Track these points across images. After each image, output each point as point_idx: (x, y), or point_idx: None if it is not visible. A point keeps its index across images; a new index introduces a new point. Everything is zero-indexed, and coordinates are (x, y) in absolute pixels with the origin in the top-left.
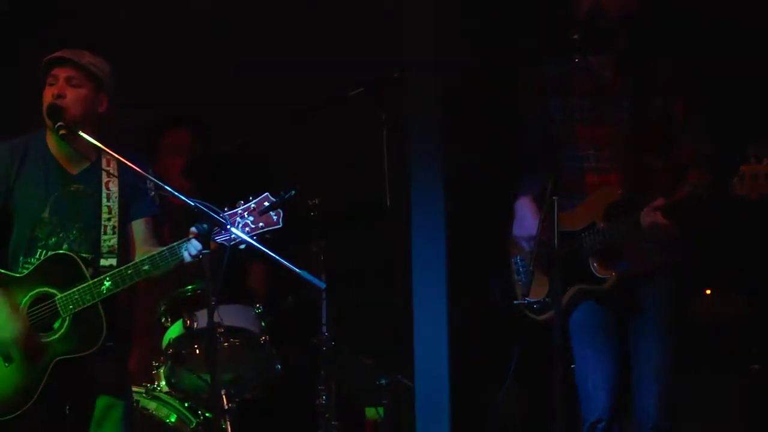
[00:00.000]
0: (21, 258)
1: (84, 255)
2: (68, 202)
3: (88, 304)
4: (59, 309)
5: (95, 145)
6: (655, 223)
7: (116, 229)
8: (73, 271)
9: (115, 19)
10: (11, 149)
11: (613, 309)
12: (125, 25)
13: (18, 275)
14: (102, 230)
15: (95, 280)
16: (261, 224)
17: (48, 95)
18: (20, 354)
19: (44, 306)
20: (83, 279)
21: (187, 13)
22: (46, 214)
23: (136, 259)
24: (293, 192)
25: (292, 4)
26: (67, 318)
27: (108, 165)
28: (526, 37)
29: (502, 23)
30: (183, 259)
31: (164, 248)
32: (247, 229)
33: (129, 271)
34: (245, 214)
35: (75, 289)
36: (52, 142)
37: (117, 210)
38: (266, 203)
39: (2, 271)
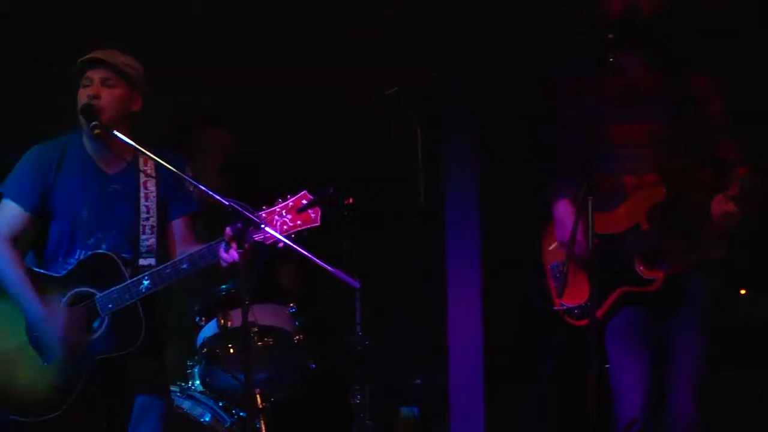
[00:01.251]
0: (60, 259)
1: (123, 255)
2: (106, 203)
3: (127, 303)
4: (98, 308)
5: (131, 145)
6: (727, 213)
7: (154, 229)
8: (112, 270)
9: (150, 18)
10: (50, 150)
11: (654, 313)
12: (161, 24)
13: (57, 275)
14: (140, 230)
15: (134, 279)
16: (299, 222)
17: (83, 96)
18: (62, 353)
19: (84, 305)
20: (122, 278)
21: (223, 13)
22: (85, 215)
23: (175, 258)
24: (331, 190)
25: (327, 2)
26: (106, 317)
27: (145, 165)
28: (560, 37)
29: (535, 23)
30: (221, 259)
31: (203, 246)
32: (285, 227)
33: (167, 270)
34: (283, 212)
35: (114, 289)
36: (88, 142)
37: (155, 210)
38: (304, 201)
39: (41, 271)
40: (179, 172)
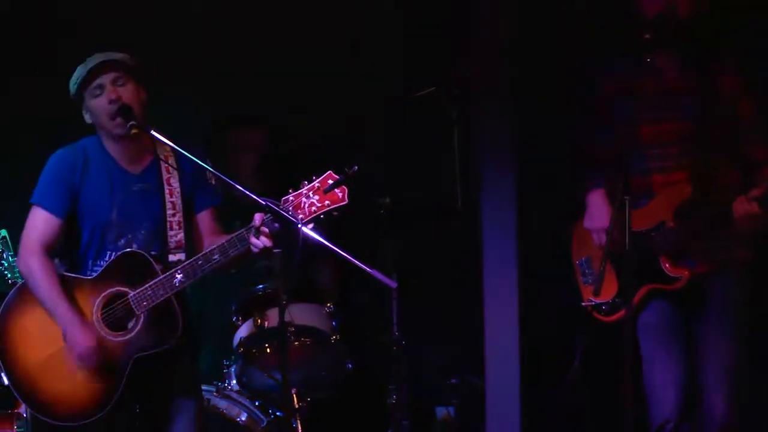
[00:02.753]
0: (90, 261)
1: (153, 252)
2: (133, 203)
3: (162, 298)
4: (133, 307)
5: (150, 143)
6: (750, 214)
7: (182, 224)
8: (144, 267)
9: (187, 19)
10: (73, 155)
11: (683, 309)
12: (198, 25)
13: (89, 278)
14: (168, 226)
15: (167, 273)
16: (327, 202)
17: (104, 103)
18: (98, 352)
19: (118, 305)
20: (154, 275)
21: (255, 13)
22: (113, 217)
23: (206, 250)
24: (356, 167)
25: (359, 3)
26: (142, 315)
27: (167, 161)
28: (594, 36)
29: (570, 22)
30: (251, 246)
31: (232, 235)
32: (313, 208)
33: (200, 262)
34: (310, 193)
35: (147, 285)
36: (110, 144)
37: (181, 205)
38: (330, 181)
39: (72, 275)
40: (208, 167)
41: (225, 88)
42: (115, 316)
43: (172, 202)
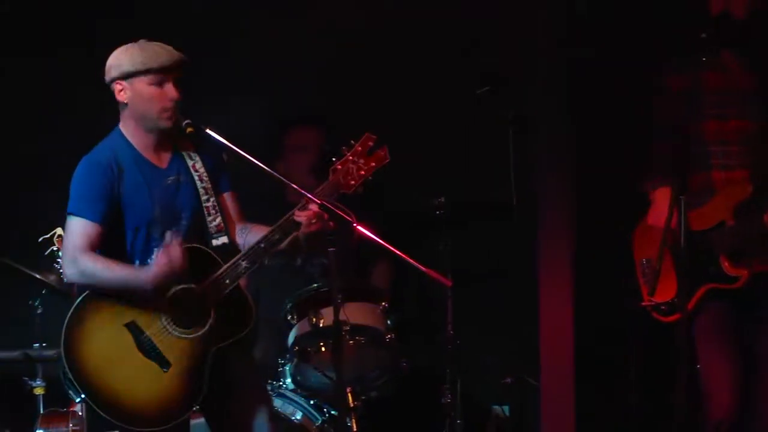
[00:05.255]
0: (138, 262)
1: (198, 241)
2: (170, 196)
3: (229, 288)
4: (202, 301)
5: (171, 135)
6: None
7: (217, 208)
8: (204, 260)
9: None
10: (103, 158)
11: (740, 309)
12: (254, 23)
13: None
14: (206, 212)
15: (230, 263)
16: (372, 164)
17: (163, 97)
18: (175, 352)
19: (186, 303)
20: (216, 265)
21: (311, 12)
22: (156, 213)
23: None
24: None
25: (415, 3)
26: (213, 308)
27: (187, 149)
28: (654, 35)
29: (629, 22)
30: (299, 218)
31: (288, 213)
32: (361, 172)
33: (262, 245)
34: (354, 158)
35: (212, 277)
36: (138, 135)
37: (212, 189)
38: (370, 142)
39: None
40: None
41: (282, 87)
42: (185, 314)
43: (204, 188)
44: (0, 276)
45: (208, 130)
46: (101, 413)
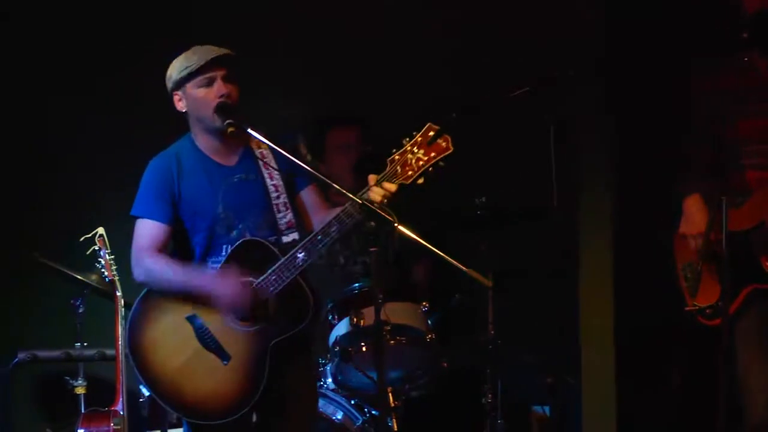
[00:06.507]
0: (208, 260)
1: (268, 238)
2: (236, 194)
3: (288, 280)
4: (261, 294)
5: (259, 138)
6: None
7: (288, 205)
8: (263, 253)
9: (282, 19)
10: (166, 161)
11: None
12: (293, 24)
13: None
14: (275, 210)
15: (288, 255)
16: (433, 154)
17: (211, 96)
18: (235, 345)
19: (245, 297)
20: (275, 259)
21: (350, 11)
22: (220, 211)
23: (322, 224)
24: (454, 114)
25: (456, 3)
26: (271, 300)
27: (259, 147)
28: (691, 36)
29: (667, 22)
30: (366, 203)
31: (347, 204)
32: (420, 162)
33: (318, 237)
34: (414, 148)
35: (270, 270)
36: (204, 138)
37: (283, 186)
38: (431, 133)
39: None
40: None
41: (322, 87)
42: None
43: (273, 185)
44: (41, 276)
45: (249, 130)
46: (163, 404)
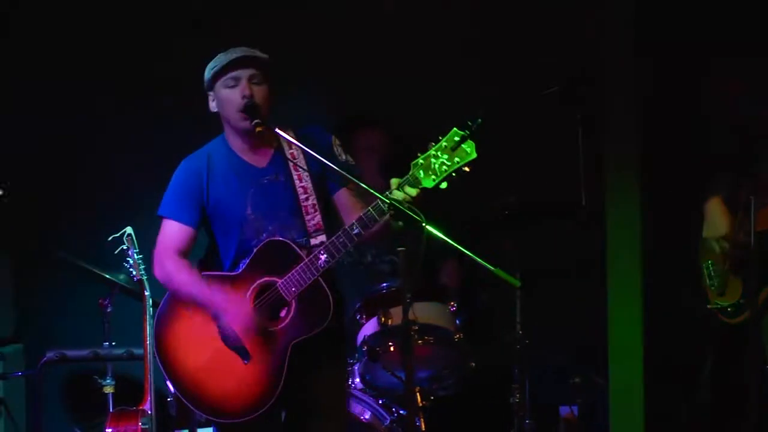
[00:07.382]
0: (235, 259)
1: (296, 240)
2: (265, 195)
3: (309, 282)
4: (283, 294)
5: (272, 136)
6: None
7: (317, 207)
8: (287, 254)
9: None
10: (196, 162)
11: None
12: (324, 26)
13: (235, 273)
14: (304, 212)
15: (311, 256)
16: (456, 159)
17: (236, 96)
18: (256, 345)
19: (267, 295)
20: (299, 260)
21: (377, 13)
22: (248, 212)
23: (345, 226)
24: (480, 120)
25: (484, 3)
26: (293, 301)
27: (290, 148)
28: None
29: (696, 22)
30: (394, 206)
31: (369, 207)
32: (444, 167)
33: (341, 239)
34: (438, 153)
35: (293, 271)
36: (234, 138)
37: (312, 188)
38: (456, 138)
39: (217, 273)
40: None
41: (344, 87)
42: (268, 305)
43: (302, 187)
44: (70, 275)
45: (277, 130)
46: (185, 401)
